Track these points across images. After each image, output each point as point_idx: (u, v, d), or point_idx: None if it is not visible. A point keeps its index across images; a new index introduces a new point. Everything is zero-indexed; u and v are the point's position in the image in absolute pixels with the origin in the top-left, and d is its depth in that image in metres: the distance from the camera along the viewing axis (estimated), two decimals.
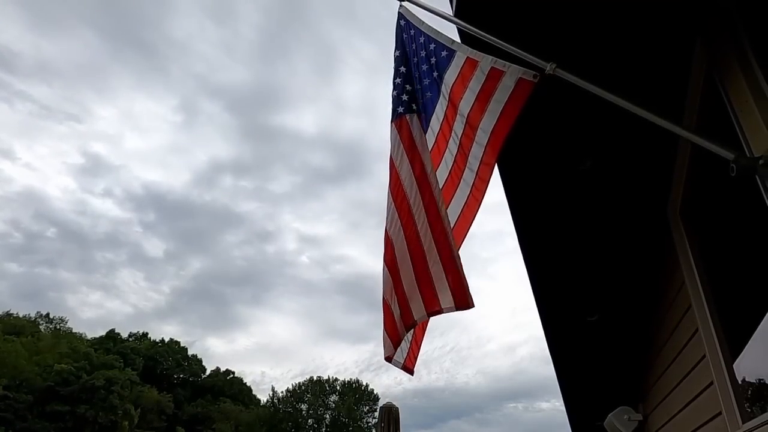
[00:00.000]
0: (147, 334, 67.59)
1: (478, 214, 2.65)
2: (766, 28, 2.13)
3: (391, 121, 3.06)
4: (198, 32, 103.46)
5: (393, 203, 2.94)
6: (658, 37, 2.67)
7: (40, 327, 59.88)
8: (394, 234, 2.92)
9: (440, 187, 2.79)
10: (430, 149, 2.84)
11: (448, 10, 2.70)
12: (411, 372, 3.06)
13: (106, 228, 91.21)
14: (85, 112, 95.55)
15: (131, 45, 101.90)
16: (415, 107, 3.00)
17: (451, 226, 2.73)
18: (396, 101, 3.08)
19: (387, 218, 2.97)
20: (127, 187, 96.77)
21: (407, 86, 3.07)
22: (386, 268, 2.93)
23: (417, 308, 2.88)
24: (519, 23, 2.56)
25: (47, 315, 63.12)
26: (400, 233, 2.91)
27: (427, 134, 2.86)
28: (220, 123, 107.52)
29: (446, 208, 2.76)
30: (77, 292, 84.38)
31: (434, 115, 2.80)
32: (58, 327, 62.55)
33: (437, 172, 2.81)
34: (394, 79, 3.14)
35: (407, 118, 3.00)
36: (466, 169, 2.63)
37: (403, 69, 3.10)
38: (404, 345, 3.06)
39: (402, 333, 2.90)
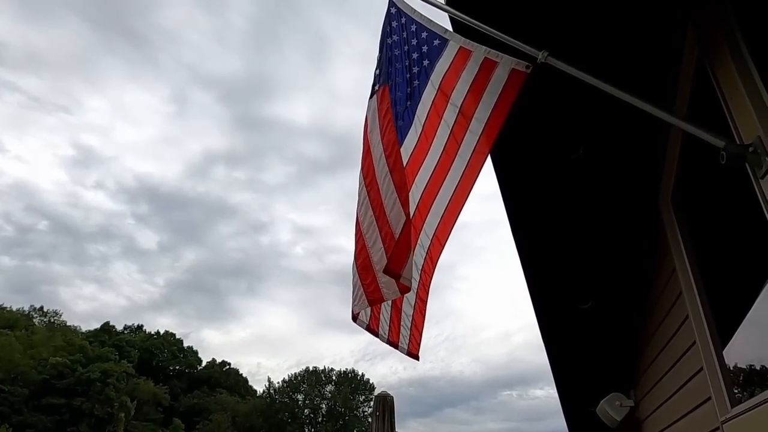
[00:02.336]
0: (142, 326, 67.66)
1: (468, 201, 2.66)
2: (757, 16, 2.14)
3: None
4: (188, 21, 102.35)
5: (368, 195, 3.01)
6: (650, 25, 2.66)
7: (34, 320, 59.70)
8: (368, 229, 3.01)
9: (429, 178, 2.77)
10: (417, 138, 2.82)
11: None
12: (416, 357, 3.10)
13: (98, 220, 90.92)
14: (75, 104, 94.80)
15: (120, 35, 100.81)
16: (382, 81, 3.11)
17: (441, 214, 2.74)
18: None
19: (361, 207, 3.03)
20: (119, 179, 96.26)
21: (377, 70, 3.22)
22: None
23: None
24: (511, 11, 2.55)
25: (41, 308, 62.97)
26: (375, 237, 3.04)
27: (413, 123, 2.85)
28: (213, 113, 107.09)
29: (434, 199, 2.75)
30: (71, 285, 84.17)
31: (420, 103, 2.78)
32: (52, 320, 62.39)
33: (425, 161, 2.79)
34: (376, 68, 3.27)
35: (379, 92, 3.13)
36: (457, 157, 2.63)
37: (383, 57, 3.19)
38: (405, 331, 3.11)
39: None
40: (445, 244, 2.78)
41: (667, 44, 2.73)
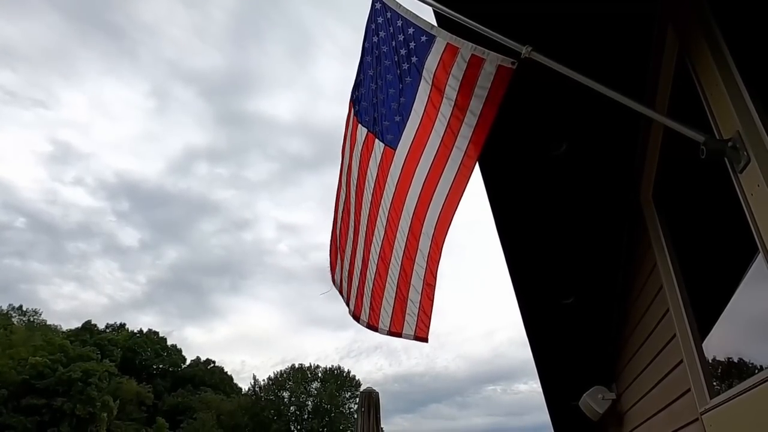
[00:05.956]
0: (124, 324, 66.77)
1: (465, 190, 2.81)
2: (736, 13, 2.16)
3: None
4: (167, 15, 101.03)
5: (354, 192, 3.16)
6: (632, 22, 2.69)
7: (13, 320, 58.44)
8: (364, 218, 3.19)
9: (430, 168, 2.87)
10: (416, 131, 2.91)
11: None
12: (425, 340, 3.18)
13: (78, 217, 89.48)
14: (52, 99, 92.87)
15: (98, 28, 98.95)
16: (367, 119, 3.24)
17: (441, 204, 2.86)
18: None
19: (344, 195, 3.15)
20: (98, 176, 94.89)
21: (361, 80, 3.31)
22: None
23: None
24: (495, 5, 2.55)
25: (20, 307, 61.66)
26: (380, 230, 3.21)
27: (410, 116, 2.92)
28: (194, 109, 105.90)
29: (435, 189, 2.86)
30: (50, 284, 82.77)
31: (417, 97, 2.85)
32: (31, 319, 61.16)
33: (424, 152, 2.88)
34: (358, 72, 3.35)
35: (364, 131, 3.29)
36: (455, 148, 2.74)
37: (368, 59, 3.22)
38: (410, 318, 3.20)
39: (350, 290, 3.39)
40: (447, 231, 2.92)
41: (648, 41, 2.76)
